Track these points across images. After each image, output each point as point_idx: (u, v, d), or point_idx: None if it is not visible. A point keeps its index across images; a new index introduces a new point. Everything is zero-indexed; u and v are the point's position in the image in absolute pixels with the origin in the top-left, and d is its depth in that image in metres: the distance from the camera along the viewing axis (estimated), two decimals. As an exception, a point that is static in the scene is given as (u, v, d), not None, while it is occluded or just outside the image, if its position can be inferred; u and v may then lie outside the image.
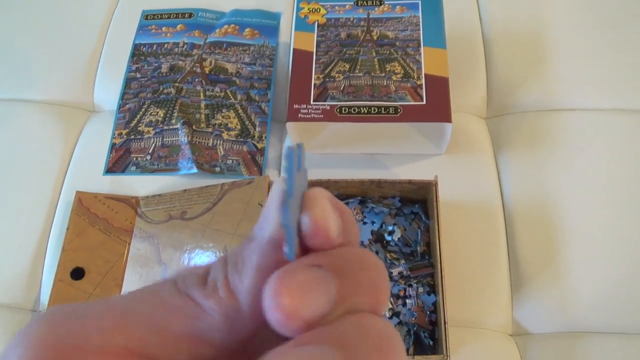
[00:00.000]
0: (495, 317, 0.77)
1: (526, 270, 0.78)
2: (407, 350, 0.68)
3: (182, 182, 0.85)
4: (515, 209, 0.82)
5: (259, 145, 0.89)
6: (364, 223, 0.76)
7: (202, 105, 0.92)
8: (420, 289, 0.71)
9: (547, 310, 0.76)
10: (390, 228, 0.75)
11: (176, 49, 0.97)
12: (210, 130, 0.90)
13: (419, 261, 0.74)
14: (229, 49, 0.97)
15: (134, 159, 0.89)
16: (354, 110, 0.79)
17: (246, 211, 0.75)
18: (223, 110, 0.92)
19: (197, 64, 0.95)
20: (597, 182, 0.82)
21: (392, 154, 0.86)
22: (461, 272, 0.77)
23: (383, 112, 0.78)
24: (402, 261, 0.73)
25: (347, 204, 0.78)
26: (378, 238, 0.75)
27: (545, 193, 0.82)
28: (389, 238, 0.75)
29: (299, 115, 0.79)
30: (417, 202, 0.79)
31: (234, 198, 0.77)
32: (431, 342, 0.68)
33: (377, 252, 0.74)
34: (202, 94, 0.93)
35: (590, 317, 0.75)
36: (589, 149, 0.85)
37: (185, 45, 0.98)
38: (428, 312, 0.69)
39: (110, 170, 0.88)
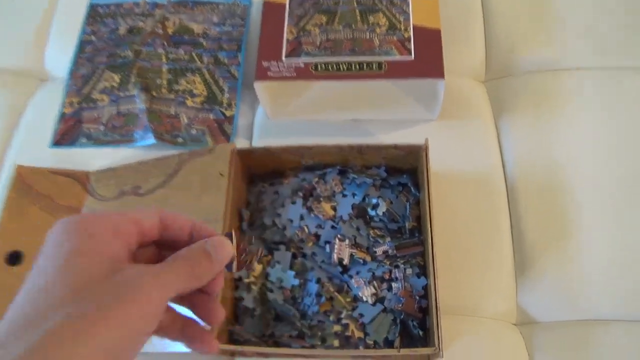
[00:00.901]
0: (497, 303, 0.66)
1: (532, 250, 0.67)
2: (393, 342, 0.58)
3: (138, 155, 0.75)
4: (519, 181, 0.71)
5: (228, 113, 0.79)
6: (344, 196, 0.65)
7: (164, 69, 0.81)
8: (409, 271, 0.60)
9: (556, 295, 0.66)
10: (374, 201, 0.65)
11: (136, 9, 0.87)
12: (172, 96, 0.79)
13: (407, 239, 0.63)
14: (195, 8, 0.86)
15: (86, 129, 0.78)
16: (332, 67, 0.68)
17: (206, 183, 0.64)
18: (187, 75, 0.81)
19: (158, 24, 0.85)
20: (611, 150, 0.72)
21: (378, 119, 0.76)
22: (457, 251, 0.67)
23: (366, 68, 0.67)
24: (388, 239, 0.63)
25: (324, 174, 0.67)
26: (360, 213, 0.65)
27: (553, 162, 0.71)
28: (372, 213, 0.65)
29: (269, 73, 0.68)
30: (405, 172, 0.68)
31: (193, 169, 0.66)
32: (421, 333, 0.58)
33: (358, 229, 0.63)
34: (163, 57, 0.82)
35: (605, 303, 0.65)
36: (601, 113, 0.74)
37: (147, 5, 0.87)
38: (417, 298, 0.59)
39: (58, 142, 0.78)
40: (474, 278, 0.66)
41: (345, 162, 0.68)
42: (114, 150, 0.76)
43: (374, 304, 0.59)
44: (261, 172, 0.71)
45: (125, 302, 0.26)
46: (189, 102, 0.79)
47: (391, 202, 0.65)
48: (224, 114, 0.79)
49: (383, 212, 0.64)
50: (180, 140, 0.76)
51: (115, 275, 0.27)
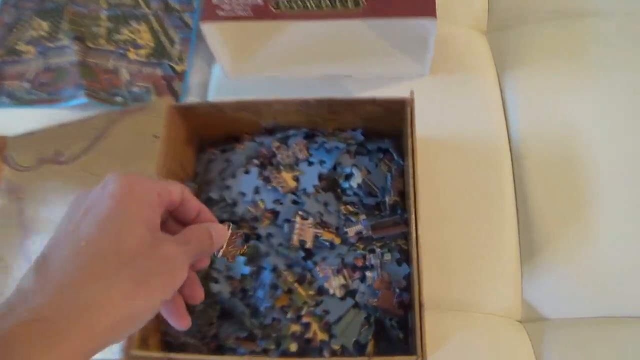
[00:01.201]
0: (499, 297, 0.54)
1: (541, 234, 0.55)
2: (365, 346, 0.46)
3: (68, 118, 0.62)
4: (526, 150, 0.59)
5: (178, 69, 0.66)
6: (310, 164, 0.53)
7: (103, 16, 0.68)
8: (387, 257, 0.48)
9: (569, 288, 0.55)
10: (347, 170, 0.52)
11: (75, -53, 0.73)
12: (111, 48, 0.66)
13: (387, 216, 0.50)
14: (143, -55, 0.73)
15: (8, 87, 0.65)
16: (298, 4, 0.55)
17: (137, 148, 0.51)
18: (131, 23, 0.68)
19: (99, -37, 0.71)
20: (636, 115, 0.59)
21: (358, 75, 0.63)
22: (449, 233, 0.55)
23: (338, 5, 0.54)
24: (363, 217, 0.50)
25: (286, 137, 0.54)
26: (329, 185, 0.52)
27: (567, 128, 0.59)
28: (345, 185, 0.52)
29: (219, 12, 0.55)
30: (387, 136, 0.55)
31: (124, 130, 0.54)
32: (401, 335, 0.46)
33: (325, 205, 0.51)
34: (102, 2, 0.69)
35: (626, 298, 0.54)
36: (625, 69, 0.61)
37: (87, -58, 0.74)
38: (397, 291, 0.46)
39: (-27, 102, 0.65)
40: (470, 266, 0.54)
41: (314, 125, 0.55)
42: (40, 111, 0.64)
43: (342, 298, 0.47)
44: (212, 137, 0.58)
45: (164, 277, 0.29)
46: (131, 55, 0.66)
47: (368, 172, 0.53)
48: (173, 70, 0.66)
49: (358, 184, 0.52)
50: (119, 99, 0.63)
51: (156, 247, 0.29)
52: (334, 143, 0.53)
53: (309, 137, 0.55)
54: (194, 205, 0.35)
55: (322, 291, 0.48)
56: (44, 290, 0.26)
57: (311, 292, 0.47)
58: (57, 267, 0.27)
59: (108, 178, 0.30)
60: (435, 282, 0.48)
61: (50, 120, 0.62)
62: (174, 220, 0.35)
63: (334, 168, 0.53)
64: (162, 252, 0.29)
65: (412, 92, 0.50)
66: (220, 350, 0.47)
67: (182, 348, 0.48)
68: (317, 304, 0.47)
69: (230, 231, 0.36)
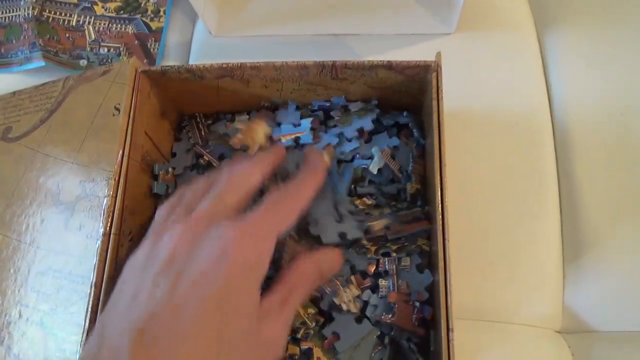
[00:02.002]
0: (536, 304, 0.46)
1: (590, 231, 0.46)
2: (377, 374, 0.37)
3: (21, 84, 0.52)
4: (574, 127, 0.49)
5: (154, 25, 0.55)
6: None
7: (64, -39, 0.57)
8: (405, 261, 0.38)
9: (621, 296, 0.45)
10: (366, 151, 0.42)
11: None
12: (75, 0, 0.56)
13: (406, 209, 0.41)
14: None
15: (-47, 47, 0.55)
16: (295, -58, 0.44)
17: (95, 120, 0.41)
18: (98, -30, 0.57)
19: None
20: None
21: (368, 34, 0.52)
22: (479, 229, 0.45)
23: (346, -56, 0.43)
24: (387, 210, 0.41)
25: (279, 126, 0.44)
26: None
27: (625, 98, 0.48)
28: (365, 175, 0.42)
29: (197, -47, 0.44)
30: (403, 110, 0.45)
31: (81, 99, 0.44)
32: (420, 359, 0.37)
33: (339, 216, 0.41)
34: (63, -56, 0.58)
35: None
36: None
37: None
38: (417, 305, 0.37)
39: None
40: (503, 268, 0.45)
41: (313, 95, 0.45)
42: (-11, 76, 0.54)
43: (359, 319, 0.38)
44: (193, 109, 0.48)
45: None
46: (98, 9, 0.56)
47: (393, 151, 0.43)
48: (148, 27, 0.55)
49: (379, 169, 0.42)
50: (83, 62, 0.53)
51: (257, 333, 0.27)
52: (341, 128, 0.43)
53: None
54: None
55: (330, 307, 0.38)
56: None
57: (311, 311, 0.38)
58: (159, 352, 0.24)
59: (226, 236, 0.28)
60: (462, 287, 0.39)
61: (0, 89, 0.52)
62: None
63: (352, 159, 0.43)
64: (263, 337, 0.27)
65: (438, 55, 0.39)
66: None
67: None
68: (320, 325, 0.38)
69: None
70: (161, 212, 0.33)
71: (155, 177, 0.43)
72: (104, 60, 0.53)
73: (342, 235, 0.38)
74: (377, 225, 0.40)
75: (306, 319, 0.37)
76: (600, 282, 0.45)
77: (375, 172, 0.42)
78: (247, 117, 0.47)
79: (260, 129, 0.42)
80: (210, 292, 0.26)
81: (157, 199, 0.44)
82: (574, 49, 0.51)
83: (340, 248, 0.36)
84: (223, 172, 0.34)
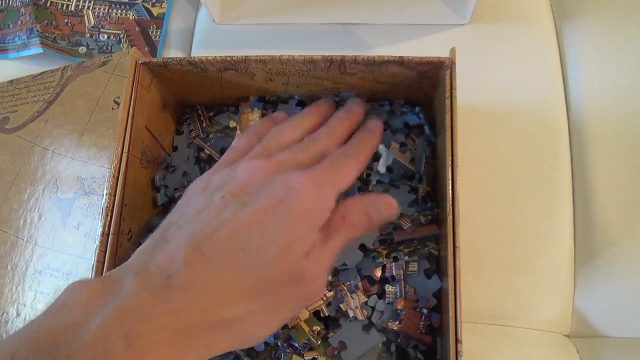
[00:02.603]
0: (545, 307, 0.45)
1: (604, 231, 0.44)
2: (382, 384, 0.36)
3: (17, 72, 0.50)
4: (591, 124, 0.47)
5: (155, 11, 0.53)
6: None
7: (62, -58, 0.55)
8: (413, 266, 0.37)
9: (635, 300, 0.43)
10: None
11: None
12: (73, -16, 0.54)
13: (416, 211, 0.39)
14: None
15: (-52, 32, 0.53)
16: None
17: (94, 114, 0.40)
18: (97, -48, 0.55)
19: None
20: None
21: (379, 24, 0.50)
22: (488, 229, 0.44)
23: None
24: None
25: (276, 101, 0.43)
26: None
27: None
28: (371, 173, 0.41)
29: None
30: (411, 106, 0.44)
31: (80, 91, 0.42)
32: (428, 368, 0.36)
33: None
34: None
35: None
36: None
37: None
38: (425, 311, 0.36)
39: None
40: (513, 272, 0.44)
41: (320, 90, 0.43)
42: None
43: (367, 329, 0.37)
44: (196, 101, 0.46)
45: (301, 302, 0.29)
46: (98, -7, 0.53)
47: (403, 146, 0.41)
48: (149, 12, 0.53)
49: (388, 167, 0.40)
50: (82, 50, 0.51)
51: (303, 270, 0.28)
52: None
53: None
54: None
55: (336, 313, 0.37)
56: (190, 287, 0.25)
57: (317, 327, 0.37)
58: (211, 267, 0.26)
59: (294, 180, 0.29)
60: (471, 290, 0.38)
61: (-1, 76, 0.51)
62: None
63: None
64: (308, 275, 0.28)
65: (452, 51, 0.37)
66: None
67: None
68: (323, 336, 0.37)
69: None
70: (240, 143, 0.35)
71: (157, 189, 0.42)
72: (104, 48, 0.52)
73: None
74: (405, 222, 0.39)
75: (311, 337, 0.36)
76: (612, 285, 0.44)
77: (383, 170, 0.41)
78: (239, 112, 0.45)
79: (255, 118, 0.41)
80: (272, 223, 0.27)
81: (162, 208, 0.42)
82: (593, 42, 0.48)
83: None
84: (306, 127, 0.36)
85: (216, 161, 0.44)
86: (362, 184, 0.41)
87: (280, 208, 0.28)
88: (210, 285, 0.25)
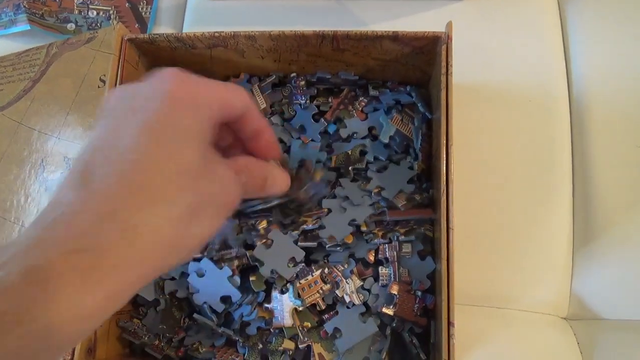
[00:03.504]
0: (543, 290, 0.44)
1: (603, 215, 0.44)
2: (376, 365, 0.35)
3: (3, 49, 0.49)
4: (593, 104, 0.46)
5: (146, -13, 0.52)
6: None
7: None
8: (407, 247, 0.36)
9: (631, 283, 0.44)
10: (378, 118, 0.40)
11: None
12: (61, -41, 0.52)
13: (413, 190, 0.38)
14: None
15: None
16: None
17: (80, 92, 0.39)
18: None
19: None
20: None
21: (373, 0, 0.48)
22: (485, 210, 0.43)
23: None
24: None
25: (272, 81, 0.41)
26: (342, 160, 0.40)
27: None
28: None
29: None
30: (405, 83, 0.42)
31: (65, 69, 0.41)
32: (423, 357, 0.35)
33: (333, 189, 0.38)
34: None
35: None
36: None
37: None
38: (419, 293, 0.35)
39: None
40: (510, 252, 0.43)
41: (312, 68, 0.42)
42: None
43: (363, 317, 0.36)
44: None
45: (220, 204, 0.25)
46: (86, -31, 0.52)
47: (403, 121, 0.40)
48: (139, -12, 0.52)
49: (391, 137, 0.39)
50: (70, 27, 0.50)
51: (211, 169, 0.24)
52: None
53: (311, 84, 0.42)
54: (256, 123, 0.28)
55: (334, 300, 0.37)
56: (86, 211, 0.21)
57: (307, 324, 0.36)
58: (102, 184, 0.21)
59: (157, 75, 0.24)
60: (466, 273, 0.38)
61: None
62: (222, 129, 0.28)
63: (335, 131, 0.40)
64: (219, 175, 0.25)
65: (449, 25, 0.36)
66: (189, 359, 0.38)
67: (143, 352, 0.38)
68: (323, 322, 0.36)
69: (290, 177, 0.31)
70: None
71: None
72: (93, 24, 0.50)
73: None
74: (400, 199, 0.38)
75: (299, 332, 0.35)
76: (610, 268, 0.43)
77: (386, 140, 0.40)
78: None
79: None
80: (148, 117, 0.23)
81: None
82: (597, 21, 0.47)
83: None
84: None
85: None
86: (355, 162, 0.40)
87: (158, 98, 0.24)
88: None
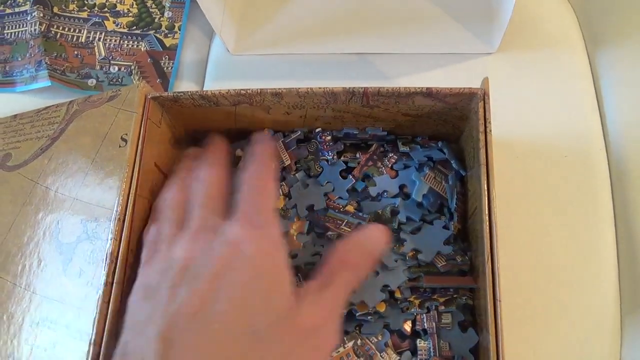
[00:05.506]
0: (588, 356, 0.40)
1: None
2: None
3: (25, 106, 0.49)
4: (631, 156, 0.43)
5: (168, 42, 0.51)
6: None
7: (74, -27, 0.54)
8: (446, 318, 0.33)
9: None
10: (411, 177, 0.38)
11: None
12: (84, 15, 0.52)
13: (454, 250, 0.36)
14: None
15: (-45, 65, 0.52)
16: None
17: (100, 152, 0.38)
18: (109, -17, 0.53)
19: None
20: None
21: (399, 53, 0.47)
22: (527, 276, 0.40)
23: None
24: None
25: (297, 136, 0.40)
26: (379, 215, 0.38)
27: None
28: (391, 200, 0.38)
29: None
30: (435, 139, 0.41)
31: (85, 127, 0.40)
32: None
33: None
34: (73, -45, 0.54)
35: None
36: None
37: None
38: (461, 370, 0.32)
39: None
40: (554, 322, 0.40)
41: (339, 124, 0.41)
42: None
43: None
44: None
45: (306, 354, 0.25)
46: (109, 24, 0.52)
47: (435, 178, 0.38)
48: (162, 43, 0.51)
49: (424, 195, 0.37)
50: (91, 82, 0.49)
51: (293, 319, 0.25)
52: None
53: (337, 139, 0.40)
54: None
55: None
56: None
57: None
58: (185, 350, 0.23)
59: (233, 233, 0.27)
60: (506, 343, 0.34)
61: (2, 110, 0.49)
62: None
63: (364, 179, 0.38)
64: (301, 324, 0.25)
65: (485, 81, 0.34)
66: None
67: None
68: None
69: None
70: (149, 235, 0.33)
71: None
72: (114, 80, 0.50)
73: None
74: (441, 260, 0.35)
75: None
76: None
77: (420, 199, 0.37)
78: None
79: None
80: (232, 288, 0.25)
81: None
82: (629, 70, 0.45)
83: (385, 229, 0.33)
84: (193, 179, 0.34)
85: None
86: (387, 222, 0.37)
87: (236, 265, 0.26)
88: None
